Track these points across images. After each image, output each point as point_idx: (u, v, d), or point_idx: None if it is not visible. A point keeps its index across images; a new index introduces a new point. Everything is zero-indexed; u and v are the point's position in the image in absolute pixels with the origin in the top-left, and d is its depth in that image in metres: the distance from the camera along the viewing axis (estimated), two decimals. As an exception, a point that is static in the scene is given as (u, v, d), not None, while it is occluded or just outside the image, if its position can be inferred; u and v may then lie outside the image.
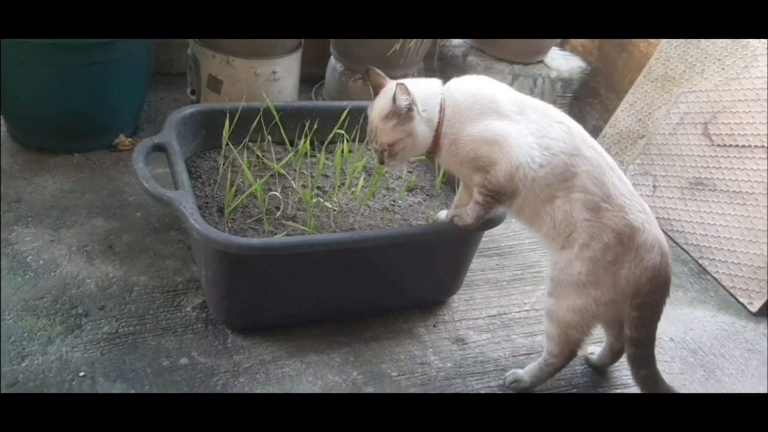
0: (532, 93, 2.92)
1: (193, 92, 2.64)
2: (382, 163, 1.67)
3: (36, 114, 2.27)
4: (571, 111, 3.20)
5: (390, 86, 1.63)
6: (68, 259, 1.95)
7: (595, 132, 2.98)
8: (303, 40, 2.65)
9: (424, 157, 1.77)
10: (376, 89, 1.68)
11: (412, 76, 2.75)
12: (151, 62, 2.44)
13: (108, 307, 1.83)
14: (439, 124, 1.62)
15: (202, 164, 2.02)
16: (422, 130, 1.61)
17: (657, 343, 2.03)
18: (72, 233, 2.04)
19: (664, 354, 2.04)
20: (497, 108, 1.60)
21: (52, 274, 1.90)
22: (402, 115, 1.58)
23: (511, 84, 2.90)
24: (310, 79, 2.99)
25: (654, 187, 2.64)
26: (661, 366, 1.93)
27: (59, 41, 2.06)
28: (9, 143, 2.37)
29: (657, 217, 2.55)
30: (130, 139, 2.45)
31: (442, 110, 1.62)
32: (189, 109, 2.01)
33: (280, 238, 1.71)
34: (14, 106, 2.29)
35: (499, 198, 1.63)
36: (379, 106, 1.63)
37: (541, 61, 2.99)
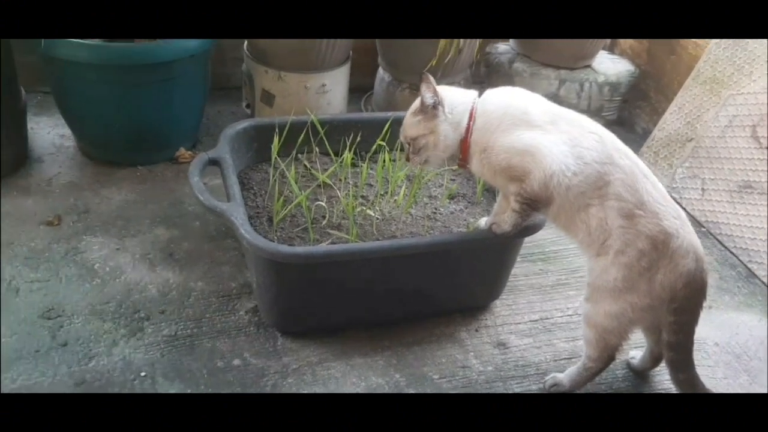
0: (578, 98, 2.94)
1: (248, 106, 2.77)
2: (408, 159, 1.79)
3: (104, 130, 2.44)
4: (621, 115, 3.21)
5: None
6: (132, 267, 2.09)
7: (644, 135, 2.98)
8: (351, 53, 2.75)
9: (456, 167, 1.84)
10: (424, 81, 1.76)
11: (458, 84, 2.81)
12: (207, 79, 2.58)
13: (168, 311, 1.96)
14: (468, 131, 1.71)
15: (254, 176, 2.13)
16: (446, 130, 1.71)
17: (701, 347, 2.07)
18: (136, 242, 2.19)
19: (708, 359, 2.04)
20: (529, 119, 1.66)
21: (117, 280, 2.04)
22: (428, 112, 1.71)
23: (558, 89, 2.93)
24: (360, 89, 3.09)
25: (702, 190, 2.62)
26: (703, 371, 1.95)
27: (125, 62, 2.23)
28: (79, 158, 2.54)
29: (705, 221, 2.57)
30: (190, 152, 2.59)
31: (472, 118, 1.70)
32: (242, 124, 2.12)
33: (323, 247, 1.80)
34: (84, 123, 2.47)
35: (534, 206, 1.69)
36: (411, 107, 1.78)
37: (588, 66, 3.00)
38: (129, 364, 1.79)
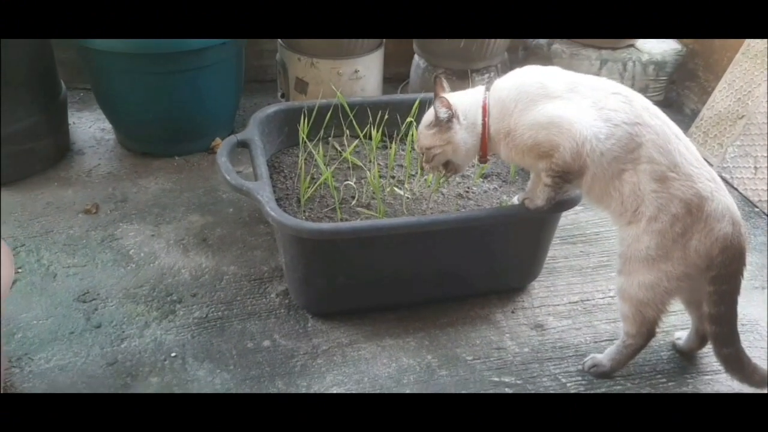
0: (621, 78, 2.84)
1: (282, 95, 2.77)
2: (423, 168, 1.80)
3: (140, 120, 2.47)
4: (668, 96, 3.09)
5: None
6: (166, 252, 2.11)
7: (693, 117, 2.86)
8: (383, 39, 2.72)
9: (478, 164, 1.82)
10: (437, 96, 1.72)
11: (495, 68, 2.75)
12: (241, 68, 2.59)
13: (200, 294, 1.96)
14: (484, 127, 1.67)
15: (285, 160, 2.12)
16: (463, 137, 1.68)
17: (754, 328, 1.96)
18: (170, 228, 2.20)
19: (762, 340, 1.93)
20: (547, 92, 1.59)
21: (151, 265, 2.06)
22: (442, 125, 1.67)
23: (599, 70, 2.84)
24: (397, 78, 3.06)
25: (755, 168, 2.49)
26: (757, 353, 1.86)
27: (156, 50, 2.25)
28: (119, 150, 2.59)
29: (758, 200, 2.44)
30: (218, 138, 2.60)
31: (486, 113, 1.66)
32: (272, 108, 2.11)
33: (349, 223, 1.77)
34: (121, 114, 2.51)
35: (567, 177, 1.61)
36: (426, 116, 1.75)
37: (632, 45, 2.90)
38: (160, 345, 1.80)
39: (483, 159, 1.75)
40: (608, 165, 1.56)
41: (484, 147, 1.70)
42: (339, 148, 2.14)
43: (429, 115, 1.73)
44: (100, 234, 2.16)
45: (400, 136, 2.12)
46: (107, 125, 2.68)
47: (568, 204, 1.79)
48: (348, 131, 2.15)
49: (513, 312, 1.98)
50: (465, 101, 1.70)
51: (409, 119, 2.06)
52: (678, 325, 1.94)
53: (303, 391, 1.69)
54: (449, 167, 1.76)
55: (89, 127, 2.72)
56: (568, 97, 1.57)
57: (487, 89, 1.70)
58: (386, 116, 2.09)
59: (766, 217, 2.42)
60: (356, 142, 2.12)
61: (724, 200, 1.55)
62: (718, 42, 2.89)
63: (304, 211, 1.88)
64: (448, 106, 1.66)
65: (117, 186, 2.39)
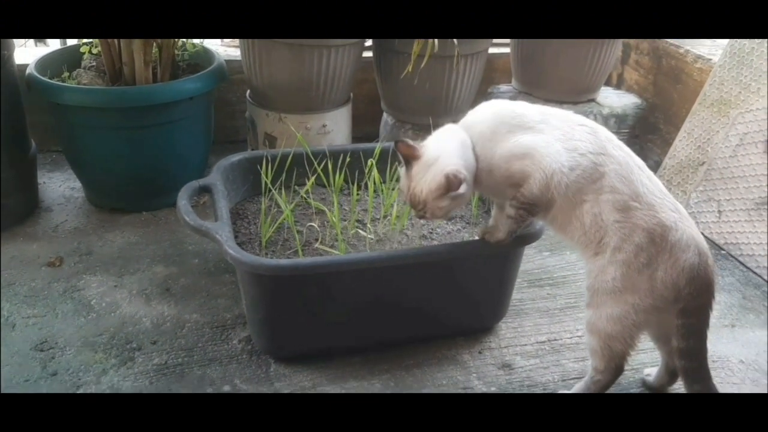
0: (585, 131, 2.90)
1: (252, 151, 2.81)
2: (420, 216, 1.68)
3: (108, 176, 2.48)
4: (632, 148, 3.14)
5: (437, 166, 1.58)
6: (128, 302, 2.08)
7: (657, 167, 2.91)
8: (351, 95, 2.79)
9: None
10: (408, 159, 1.63)
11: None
12: (210, 123, 2.63)
13: (160, 341, 1.92)
14: (477, 165, 1.62)
15: (250, 207, 2.13)
16: (470, 184, 1.60)
17: (725, 365, 1.94)
18: (134, 279, 2.18)
19: (733, 376, 1.91)
20: (523, 121, 1.60)
21: (112, 314, 2.02)
22: (457, 194, 1.58)
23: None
24: (368, 137, 3.11)
25: (719, 212, 2.52)
26: (729, 388, 1.84)
27: (123, 104, 2.29)
28: (87, 207, 2.59)
29: (724, 243, 2.47)
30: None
31: (476, 157, 1.61)
32: (236, 156, 2.14)
33: (308, 258, 1.77)
34: (90, 170, 2.52)
35: (532, 210, 1.62)
36: (428, 184, 1.58)
37: (593, 100, 2.98)
38: (116, 392, 1.75)
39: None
40: (572, 196, 1.57)
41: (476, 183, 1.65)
42: (304, 195, 2.15)
43: (435, 186, 1.57)
44: (62, 285, 2.13)
45: (364, 181, 2.14)
46: (77, 184, 2.68)
47: (530, 239, 1.80)
48: (314, 180, 2.17)
49: (480, 352, 1.95)
50: (462, 154, 1.60)
51: (370, 162, 2.09)
52: (648, 362, 1.91)
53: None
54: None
55: (59, 186, 2.73)
56: (540, 128, 1.59)
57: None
58: (348, 159, 2.11)
59: (733, 258, 2.44)
60: (328, 193, 2.13)
61: (689, 230, 1.56)
62: (676, 95, 2.99)
63: (267, 254, 1.88)
64: (460, 179, 1.55)
65: (82, 240, 2.37)
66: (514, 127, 1.60)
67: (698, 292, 1.56)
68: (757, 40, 2.56)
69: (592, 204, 1.57)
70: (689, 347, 1.60)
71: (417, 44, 2.33)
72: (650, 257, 1.54)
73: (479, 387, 1.82)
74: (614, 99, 3.03)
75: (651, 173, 1.62)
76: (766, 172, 2.40)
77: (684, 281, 1.54)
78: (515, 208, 1.63)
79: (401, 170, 1.67)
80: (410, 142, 1.63)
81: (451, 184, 1.55)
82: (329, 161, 2.12)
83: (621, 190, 1.55)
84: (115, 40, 2.40)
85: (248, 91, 2.77)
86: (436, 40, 2.30)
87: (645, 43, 3.20)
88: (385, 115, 2.95)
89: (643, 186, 1.57)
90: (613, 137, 1.64)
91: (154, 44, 2.44)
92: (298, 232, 1.95)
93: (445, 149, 1.60)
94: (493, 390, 1.81)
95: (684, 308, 1.57)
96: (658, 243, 1.54)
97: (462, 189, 1.56)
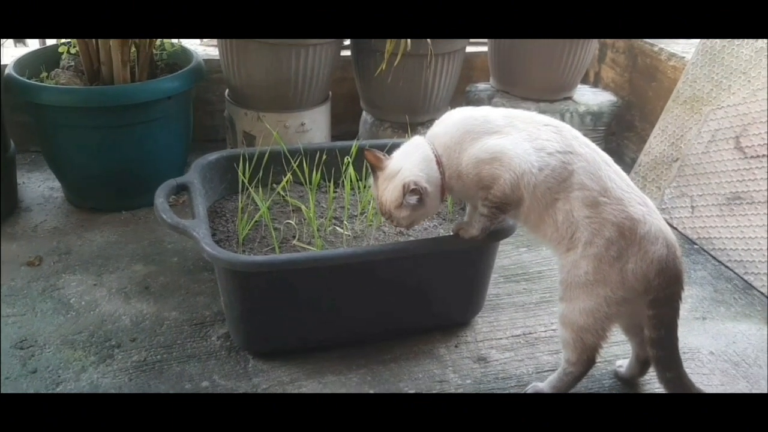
0: (561, 128, 2.94)
1: (232, 151, 2.82)
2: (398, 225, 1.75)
3: (87, 175, 2.49)
4: (608, 146, 3.20)
5: (398, 177, 1.64)
6: (107, 300, 2.09)
7: (633, 164, 2.96)
8: (330, 94, 2.81)
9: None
10: (374, 168, 1.70)
11: (439, 120, 2.84)
12: (189, 122, 2.64)
13: (139, 338, 1.94)
14: (442, 177, 1.65)
15: (227, 206, 2.14)
16: (432, 196, 1.65)
17: (695, 356, 1.99)
18: (113, 278, 2.19)
19: (703, 367, 1.95)
20: (488, 127, 1.64)
21: (92, 312, 2.03)
22: (415, 204, 1.63)
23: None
24: (347, 136, 3.12)
25: (692, 207, 2.57)
26: (699, 378, 1.87)
27: (102, 104, 2.30)
28: (66, 206, 2.59)
29: (697, 238, 2.52)
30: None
31: (440, 164, 1.65)
32: (214, 155, 2.15)
33: (284, 255, 1.79)
34: (69, 169, 2.52)
35: (504, 208, 1.65)
36: (390, 194, 1.66)
37: (569, 98, 3.02)
38: (96, 389, 1.76)
39: (442, 200, 1.73)
40: (542, 195, 1.60)
41: (443, 192, 1.69)
42: (281, 192, 2.17)
43: (395, 198, 1.64)
44: (41, 285, 2.14)
45: (340, 178, 2.16)
46: (56, 184, 2.69)
47: (503, 234, 1.84)
48: (290, 177, 2.19)
49: (456, 346, 1.98)
50: (423, 167, 1.64)
51: (347, 159, 2.11)
52: (620, 354, 1.95)
53: None
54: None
55: (38, 186, 2.73)
56: (506, 131, 1.63)
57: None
58: (324, 157, 2.14)
59: (705, 252, 2.48)
60: (305, 191, 2.15)
61: (657, 223, 1.60)
62: (651, 92, 3.04)
63: (244, 251, 1.90)
64: (416, 192, 1.61)
65: (62, 240, 2.38)
66: (480, 133, 1.64)
67: (667, 283, 1.60)
68: (727, 39, 2.61)
69: (563, 202, 1.60)
70: (661, 337, 1.64)
71: (390, 43, 2.36)
72: (620, 250, 1.58)
73: (455, 380, 1.85)
74: (590, 97, 3.07)
75: (618, 168, 1.65)
76: (737, 167, 2.45)
77: (653, 272, 1.58)
78: (488, 207, 1.66)
79: (371, 179, 1.72)
80: (377, 152, 1.69)
81: (407, 200, 1.61)
82: (305, 159, 2.14)
83: (590, 186, 1.59)
84: (93, 40, 2.40)
85: (227, 91, 2.78)
86: (408, 39, 2.33)
87: (621, 42, 3.25)
88: (364, 113, 2.97)
89: (611, 181, 1.60)
90: (579, 134, 1.67)
91: (132, 44, 2.45)
92: (275, 229, 1.97)
93: (407, 162, 1.66)
94: (468, 383, 1.84)
95: (654, 299, 1.61)
96: (628, 236, 1.58)
97: (414, 200, 1.61)
